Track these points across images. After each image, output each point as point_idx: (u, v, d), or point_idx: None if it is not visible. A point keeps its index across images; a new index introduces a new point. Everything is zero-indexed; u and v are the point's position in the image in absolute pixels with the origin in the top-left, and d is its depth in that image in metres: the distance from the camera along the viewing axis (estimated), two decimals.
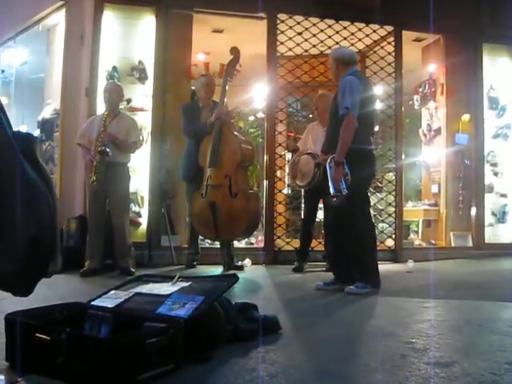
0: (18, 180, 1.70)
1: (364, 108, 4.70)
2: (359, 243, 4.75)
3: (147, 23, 7.26)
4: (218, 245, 6.61)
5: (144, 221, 6.97)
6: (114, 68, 7.01)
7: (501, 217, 8.60)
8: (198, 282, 2.93)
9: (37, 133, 7.82)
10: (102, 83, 6.77)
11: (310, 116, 8.12)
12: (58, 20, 7.73)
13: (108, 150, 5.71)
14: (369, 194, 5.44)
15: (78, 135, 6.12)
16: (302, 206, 7.73)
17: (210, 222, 5.97)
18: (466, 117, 8.42)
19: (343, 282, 4.79)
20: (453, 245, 8.29)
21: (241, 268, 6.34)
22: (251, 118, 12.01)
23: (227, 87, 6.30)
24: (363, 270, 4.78)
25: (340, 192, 4.51)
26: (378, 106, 9.63)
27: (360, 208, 4.84)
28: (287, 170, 6.79)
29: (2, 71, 9.72)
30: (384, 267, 6.80)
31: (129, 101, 6.89)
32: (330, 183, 4.55)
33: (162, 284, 2.96)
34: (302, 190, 7.36)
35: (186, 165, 6.37)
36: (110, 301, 2.80)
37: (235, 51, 6.35)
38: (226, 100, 6.31)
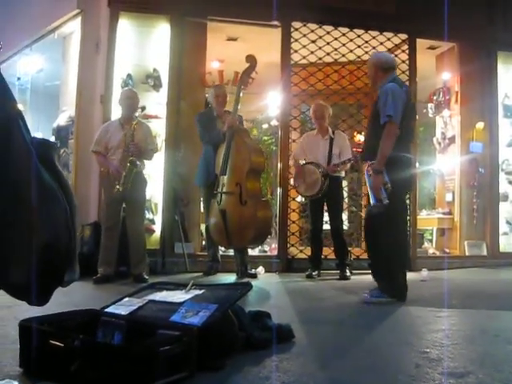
0: (34, 186, 1.69)
1: (405, 115, 4.66)
2: (390, 251, 4.67)
3: (162, 31, 7.31)
4: (232, 252, 6.61)
5: (158, 228, 6.99)
6: (129, 76, 7.06)
7: None
8: (211, 289, 2.93)
9: (52, 140, 7.87)
10: (116, 91, 6.82)
11: None
12: (73, 28, 7.79)
13: (138, 162, 5.76)
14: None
15: (93, 142, 6.14)
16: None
17: (223, 229, 5.99)
18: (480, 125, 8.38)
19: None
20: (467, 254, 8.23)
21: (254, 276, 6.33)
22: (265, 126, 12.02)
23: (241, 95, 6.31)
24: (387, 278, 4.66)
25: (380, 201, 4.49)
26: None
27: (397, 216, 4.76)
28: (292, 182, 6.78)
29: (18, 78, 9.79)
30: None
31: (143, 108, 6.94)
32: (369, 192, 4.54)
33: (176, 292, 2.96)
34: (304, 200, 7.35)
35: (203, 171, 6.39)
36: (123, 308, 2.81)
37: (251, 59, 6.34)
38: (239, 107, 6.31)
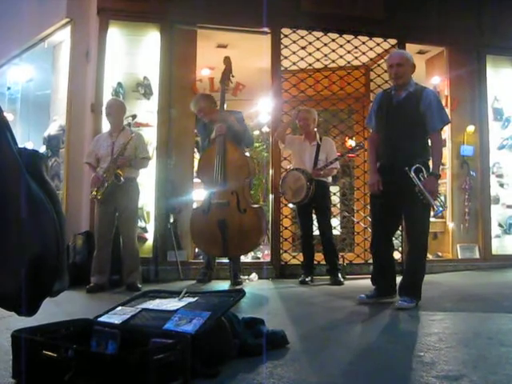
0: (22, 197, 1.69)
1: None
2: (422, 258, 4.74)
3: (152, 39, 7.30)
4: (226, 259, 6.58)
5: (150, 236, 6.97)
6: (120, 84, 7.05)
7: (507, 228, 8.56)
8: (204, 297, 2.93)
9: (43, 149, 7.84)
10: (107, 99, 6.80)
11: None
12: (63, 37, 7.78)
13: (122, 178, 5.77)
14: None
15: (86, 154, 6.16)
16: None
17: (217, 239, 5.93)
18: (470, 128, 8.41)
19: (385, 295, 4.85)
20: (459, 257, 8.24)
21: (240, 283, 6.29)
22: (256, 133, 12.02)
23: (225, 97, 6.37)
24: (417, 284, 4.66)
25: (442, 206, 4.63)
26: None
27: (428, 223, 4.81)
28: (280, 189, 6.79)
29: (8, 88, 9.76)
30: None
31: (134, 116, 6.93)
32: (427, 196, 4.47)
33: (169, 300, 2.96)
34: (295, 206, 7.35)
35: None
36: (116, 317, 2.80)
37: (226, 61, 6.39)
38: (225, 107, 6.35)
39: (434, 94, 4.72)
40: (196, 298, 2.89)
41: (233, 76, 6.40)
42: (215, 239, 5.96)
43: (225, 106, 6.32)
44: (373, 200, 5.08)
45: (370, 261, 5.07)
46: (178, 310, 2.71)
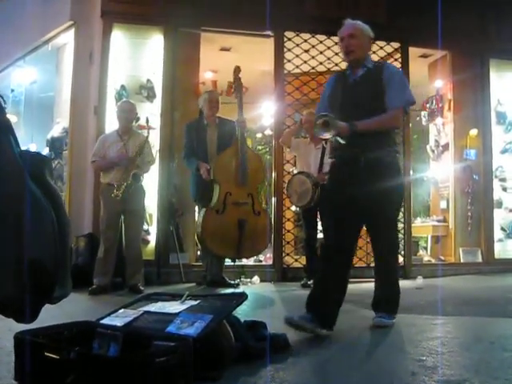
0: (22, 200, 1.66)
1: None
2: (395, 266, 4.14)
3: (155, 42, 7.33)
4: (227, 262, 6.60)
5: (152, 238, 6.98)
6: (123, 87, 7.06)
7: (510, 232, 8.55)
8: (206, 300, 2.93)
9: (46, 151, 7.87)
10: (110, 102, 6.84)
11: None
12: (67, 39, 7.82)
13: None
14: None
15: (92, 154, 6.15)
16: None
17: (234, 239, 5.95)
18: (473, 132, 8.41)
19: (323, 324, 3.55)
20: (462, 261, 8.25)
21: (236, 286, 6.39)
22: (259, 135, 12.04)
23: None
24: (394, 297, 3.99)
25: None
26: None
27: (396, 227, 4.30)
28: (286, 192, 6.80)
29: (12, 90, 9.78)
30: None
31: (137, 119, 6.94)
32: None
33: (171, 302, 2.96)
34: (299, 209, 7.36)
35: (195, 184, 6.34)
36: (119, 319, 2.80)
37: (236, 70, 6.40)
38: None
39: (398, 69, 3.94)
40: (198, 301, 2.89)
41: (246, 89, 6.45)
42: (230, 240, 5.97)
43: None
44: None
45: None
46: (180, 312, 2.70)
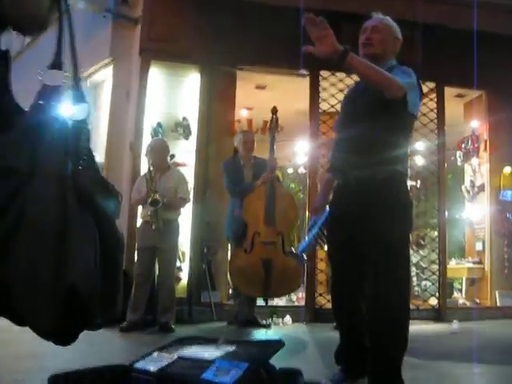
0: (62, 220, 1.60)
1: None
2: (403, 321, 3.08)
3: (192, 80, 7.42)
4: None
5: (185, 276, 6.96)
6: (159, 124, 7.13)
7: None
8: (242, 346, 2.88)
9: None
10: (146, 138, 6.89)
11: None
12: (105, 76, 7.96)
13: (159, 199, 5.80)
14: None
15: (133, 191, 6.21)
16: None
17: (260, 279, 5.88)
18: (507, 170, 8.29)
19: (355, 375, 3.27)
20: (498, 304, 8.05)
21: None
22: (290, 171, 12.04)
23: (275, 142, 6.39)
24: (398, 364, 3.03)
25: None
26: (420, 162, 9.64)
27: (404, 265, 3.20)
28: None
29: None
30: (427, 327, 6.66)
31: (172, 156, 6.98)
32: None
33: (206, 347, 2.92)
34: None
35: (232, 222, 6.33)
36: (153, 364, 2.76)
37: (273, 110, 6.44)
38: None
39: (409, 68, 3.34)
40: (234, 347, 2.85)
41: (281, 128, 6.47)
42: (256, 279, 5.91)
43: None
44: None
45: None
46: (215, 359, 2.67)
